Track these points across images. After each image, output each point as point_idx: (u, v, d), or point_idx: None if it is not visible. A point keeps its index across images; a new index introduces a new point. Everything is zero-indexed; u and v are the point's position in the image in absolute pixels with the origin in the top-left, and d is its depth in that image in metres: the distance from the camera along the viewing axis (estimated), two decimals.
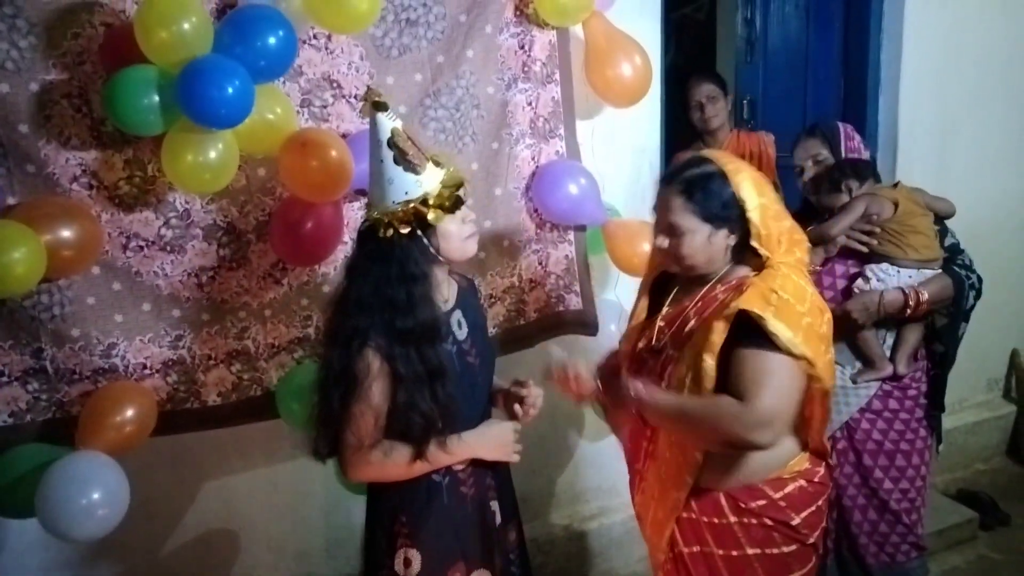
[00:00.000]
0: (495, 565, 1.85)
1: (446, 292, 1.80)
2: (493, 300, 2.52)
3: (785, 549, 1.72)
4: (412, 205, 1.64)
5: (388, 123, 1.63)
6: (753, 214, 1.66)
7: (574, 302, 2.67)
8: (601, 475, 3.00)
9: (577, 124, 2.57)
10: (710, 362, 1.62)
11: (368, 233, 1.69)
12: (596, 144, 2.65)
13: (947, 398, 2.40)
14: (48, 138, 1.94)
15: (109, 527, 1.94)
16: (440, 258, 1.71)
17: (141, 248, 2.07)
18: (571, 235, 2.62)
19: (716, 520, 1.72)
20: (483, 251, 2.46)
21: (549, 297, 2.63)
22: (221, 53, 1.82)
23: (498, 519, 1.86)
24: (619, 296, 2.74)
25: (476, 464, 1.82)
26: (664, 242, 1.73)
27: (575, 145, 2.57)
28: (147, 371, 2.13)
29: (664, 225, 1.72)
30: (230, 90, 1.74)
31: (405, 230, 1.64)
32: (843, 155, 2.35)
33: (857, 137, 2.41)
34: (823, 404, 1.75)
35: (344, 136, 2.15)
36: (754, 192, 1.67)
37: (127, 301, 2.08)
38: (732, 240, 1.71)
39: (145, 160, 2.02)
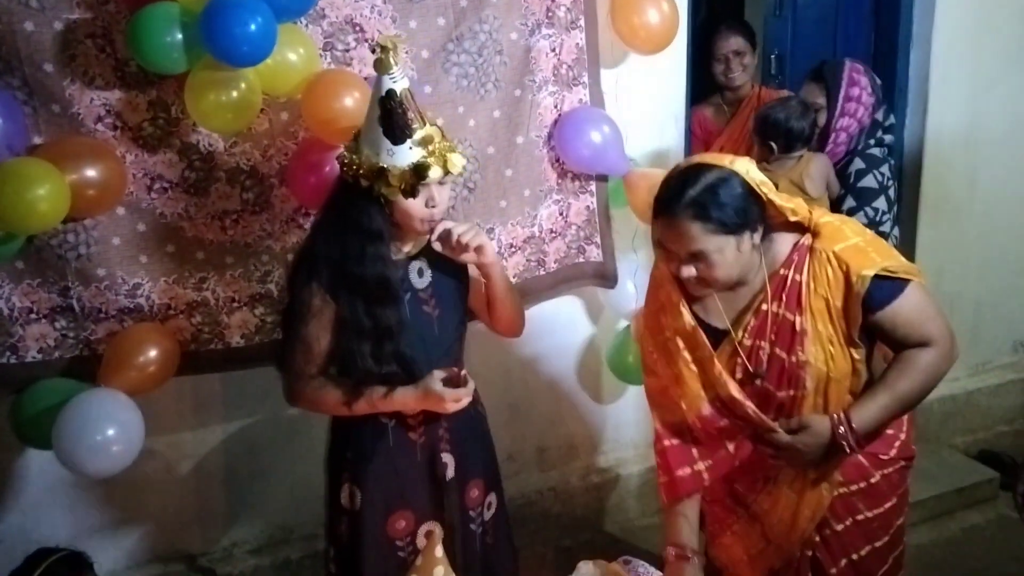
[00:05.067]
0: (446, 520, 1.83)
1: (411, 241, 1.77)
2: (513, 250, 2.51)
3: (908, 481, 1.77)
4: (377, 166, 1.63)
5: (387, 83, 1.61)
6: (774, 197, 1.57)
7: (594, 254, 2.66)
8: (619, 428, 3.01)
9: (601, 73, 2.53)
10: (859, 352, 1.61)
11: (341, 166, 1.69)
12: (620, 94, 2.61)
13: (972, 360, 2.31)
14: (73, 78, 1.94)
15: (123, 464, 1.98)
16: (393, 225, 1.69)
17: (165, 190, 2.08)
18: (593, 186, 2.60)
19: (864, 484, 1.71)
20: (504, 200, 2.45)
21: (569, 248, 2.62)
22: None
23: (450, 473, 1.82)
24: (637, 250, 2.71)
25: (428, 413, 1.77)
26: (691, 271, 1.57)
27: (599, 94, 2.53)
28: (172, 311, 2.16)
29: (685, 255, 1.56)
30: (252, 27, 1.74)
31: (364, 184, 1.63)
32: (839, 104, 2.18)
33: (865, 81, 2.21)
34: None
35: (367, 80, 2.14)
36: (759, 173, 1.58)
37: (152, 242, 2.11)
38: (759, 236, 1.59)
39: (169, 101, 2.02)
